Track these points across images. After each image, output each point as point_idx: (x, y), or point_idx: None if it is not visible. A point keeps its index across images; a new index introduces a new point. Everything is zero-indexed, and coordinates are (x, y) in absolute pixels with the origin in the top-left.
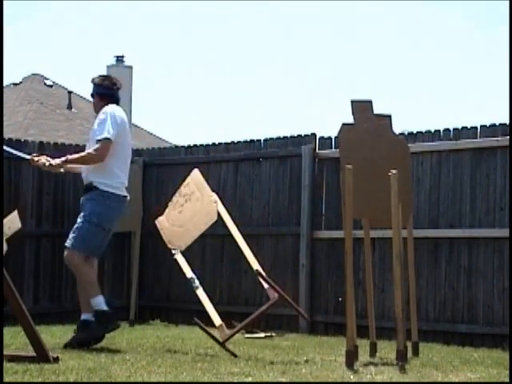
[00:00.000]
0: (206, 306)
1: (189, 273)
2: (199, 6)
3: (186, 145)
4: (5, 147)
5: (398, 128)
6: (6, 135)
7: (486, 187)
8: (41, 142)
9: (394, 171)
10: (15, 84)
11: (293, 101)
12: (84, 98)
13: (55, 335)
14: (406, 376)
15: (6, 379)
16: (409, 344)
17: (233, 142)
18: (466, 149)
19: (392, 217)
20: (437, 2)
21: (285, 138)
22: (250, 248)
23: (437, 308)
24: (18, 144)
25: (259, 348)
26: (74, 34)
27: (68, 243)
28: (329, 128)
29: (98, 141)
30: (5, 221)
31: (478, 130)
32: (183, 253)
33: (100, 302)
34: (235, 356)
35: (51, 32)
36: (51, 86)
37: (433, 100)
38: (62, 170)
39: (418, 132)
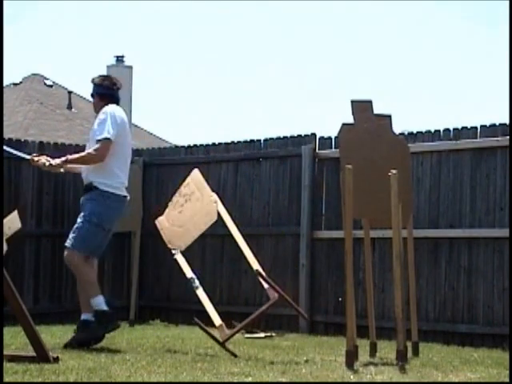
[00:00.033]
0: (206, 306)
1: (189, 273)
2: (199, 6)
3: (185, 145)
4: (5, 147)
5: (398, 128)
6: (6, 135)
7: (486, 187)
8: (41, 142)
9: (393, 171)
10: (15, 84)
11: (293, 101)
12: (84, 98)
13: (55, 335)
14: (406, 376)
15: (5, 379)
16: (409, 344)
17: (233, 142)
18: (466, 149)
19: (392, 217)
20: (437, 1)
21: (285, 137)
22: (250, 248)
23: (437, 308)
24: (18, 144)
25: (259, 348)
26: (74, 34)
27: (68, 243)
28: (329, 128)
29: (98, 141)
30: (5, 221)
31: (478, 130)
32: (183, 253)
33: (100, 302)
34: (235, 356)
35: (51, 32)
36: (51, 86)
37: (433, 100)
38: (62, 170)
39: (418, 132)
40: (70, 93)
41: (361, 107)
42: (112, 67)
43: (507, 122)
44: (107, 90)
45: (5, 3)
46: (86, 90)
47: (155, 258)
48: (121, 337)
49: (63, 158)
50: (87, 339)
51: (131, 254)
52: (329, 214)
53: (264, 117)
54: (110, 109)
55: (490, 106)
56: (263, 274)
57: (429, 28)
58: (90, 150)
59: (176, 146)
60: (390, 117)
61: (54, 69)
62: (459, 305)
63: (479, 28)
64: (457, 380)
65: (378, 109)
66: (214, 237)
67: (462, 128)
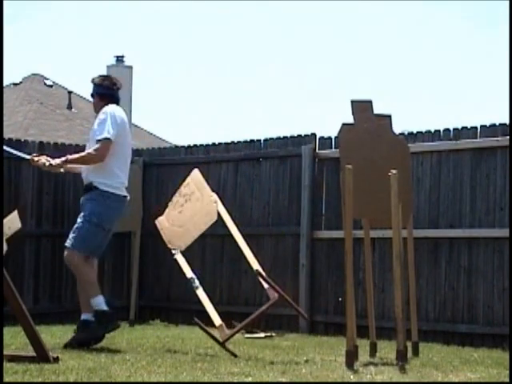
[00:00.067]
0: (206, 306)
1: (189, 273)
2: (199, 6)
3: (186, 145)
4: (5, 147)
5: (398, 128)
6: (6, 135)
7: (486, 187)
8: (41, 142)
9: (393, 171)
10: (15, 84)
11: (293, 101)
12: (84, 98)
13: (55, 335)
14: (406, 376)
15: (5, 379)
16: (409, 344)
17: (233, 142)
18: (466, 149)
19: (392, 217)
20: (437, 2)
21: (285, 137)
22: (250, 248)
23: (437, 308)
24: (18, 144)
25: (259, 348)
26: (74, 34)
27: (68, 243)
28: (329, 128)
29: (98, 141)
30: (5, 221)
31: (478, 130)
32: (183, 253)
33: (100, 302)
34: (235, 356)
35: (51, 32)
36: (51, 86)
37: (433, 100)
38: (62, 170)
39: (418, 132)
40: (70, 93)
41: (361, 107)
42: (112, 67)
43: (507, 121)
44: (107, 90)
45: (5, 3)
46: (85, 90)
47: (155, 258)
48: (121, 337)
49: (63, 158)
50: (87, 339)
51: (131, 254)
52: (329, 214)
53: (264, 117)
54: (110, 109)
55: (490, 106)
56: (263, 273)
57: (429, 28)
58: (90, 150)
59: (176, 146)
60: (389, 117)
61: (54, 69)
62: (459, 305)
63: (479, 28)
64: (457, 380)
65: (377, 109)
66: (214, 237)
67: (462, 128)
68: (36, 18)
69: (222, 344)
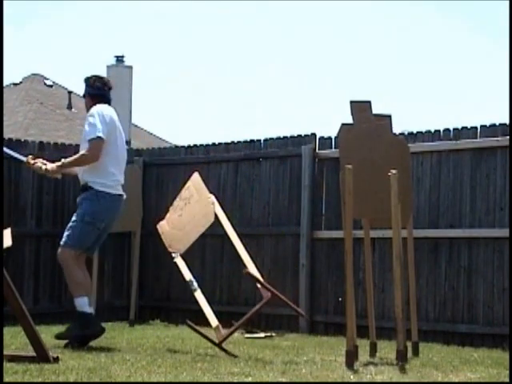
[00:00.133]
0: (204, 307)
1: (187, 275)
2: (199, 6)
3: (186, 145)
4: (4, 149)
5: (397, 128)
6: (6, 135)
7: (486, 187)
8: (41, 142)
9: (393, 171)
10: (15, 84)
11: (293, 101)
12: (84, 98)
13: None
14: (405, 376)
15: (5, 379)
16: (409, 344)
17: (233, 142)
18: (466, 149)
19: (392, 217)
20: (437, 2)
21: (285, 137)
22: (249, 248)
23: (437, 308)
24: (18, 144)
25: (259, 348)
26: (74, 34)
27: (62, 241)
28: (329, 128)
29: (90, 141)
30: None
31: (478, 130)
32: (183, 252)
33: (83, 304)
34: (234, 356)
35: (51, 32)
36: (51, 86)
37: (433, 100)
38: (59, 176)
39: (418, 132)
40: (69, 93)
41: (360, 107)
42: (112, 67)
43: (507, 121)
44: (98, 91)
45: (5, 3)
46: None
47: (155, 258)
48: (121, 337)
49: (59, 163)
50: (66, 338)
51: (131, 254)
52: (329, 214)
53: (264, 117)
54: (98, 108)
55: (490, 106)
56: (253, 274)
57: (429, 28)
58: (82, 151)
59: (176, 146)
60: (389, 117)
61: (54, 69)
62: (459, 305)
63: (479, 28)
64: (457, 380)
65: (377, 109)
66: (214, 237)
67: (462, 128)
68: (36, 17)
69: (219, 345)
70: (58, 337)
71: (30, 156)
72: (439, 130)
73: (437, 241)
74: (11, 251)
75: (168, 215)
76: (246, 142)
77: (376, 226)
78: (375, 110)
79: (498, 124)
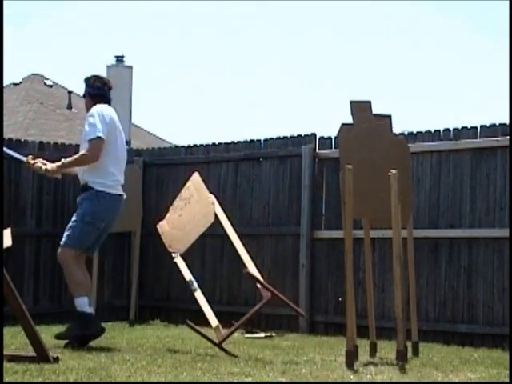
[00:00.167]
0: (204, 307)
1: (187, 275)
2: (199, 6)
3: (186, 145)
4: (4, 149)
5: (397, 128)
6: (6, 135)
7: (486, 187)
8: (41, 142)
9: (393, 171)
10: (15, 84)
11: (293, 101)
12: (84, 98)
13: None
14: (405, 376)
15: (5, 379)
16: (409, 344)
17: (233, 142)
18: (466, 149)
19: (392, 217)
20: (437, 2)
21: (285, 137)
22: (249, 248)
23: (437, 308)
24: (18, 144)
25: (259, 348)
26: (74, 34)
27: (62, 241)
28: (329, 128)
29: (90, 141)
30: None
31: (478, 130)
32: (183, 252)
33: (83, 304)
34: (234, 356)
35: (51, 32)
36: (51, 86)
37: (433, 100)
38: (59, 176)
39: (418, 132)
40: (70, 93)
41: (360, 108)
42: (112, 67)
43: (507, 121)
44: (98, 91)
45: (5, 3)
46: None
47: (155, 258)
48: (121, 337)
49: (59, 163)
50: (66, 337)
51: (131, 254)
52: (329, 214)
53: (264, 117)
54: (98, 108)
55: (490, 106)
56: (253, 274)
57: (429, 28)
58: (83, 151)
59: (176, 146)
60: (389, 117)
61: (54, 69)
62: (459, 305)
63: (479, 28)
64: (457, 380)
65: (377, 109)
66: (214, 237)
67: (462, 128)
68: (36, 17)
69: (219, 345)
70: (58, 337)
71: (30, 156)
72: (439, 130)
73: (437, 241)
74: (11, 251)
75: (168, 215)
76: (246, 141)
77: (376, 225)
78: (375, 110)
79: (498, 124)
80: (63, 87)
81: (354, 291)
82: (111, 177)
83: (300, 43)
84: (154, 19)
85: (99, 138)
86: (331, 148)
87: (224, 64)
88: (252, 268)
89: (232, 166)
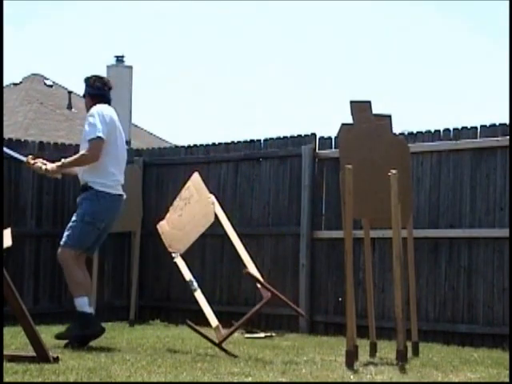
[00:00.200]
0: (204, 307)
1: (187, 275)
2: (199, 6)
3: (186, 145)
4: (4, 149)
5: (397, 128)
6: (6, 135)
7: (486, 187)
8: (41, 142)
9: (393, 171)
10: (15, 84)
11: (293, 101)
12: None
13: None
14: (405, 376)
15: (5, 379)
16: (409, 344)
17: (233, 142)
18: (466, 149)
19: (392, 217)
20: (437, 2)
21: (285, 137)
22: (249, 248)
23: (437, 308)
24: (18, 144)
25: (259, 348)
26: (74, 34)
27: (62, 241)
28: (329, 128)
29: (90, 141)
30: None
31: (478, 130)
32: (183, 252)
33: (83, 304)
34: (234, 356)
35: (51, 32)
36: (51, 86)
37: (433, 100)
38: (59, 176)
39: (418, 132)
40: (70, 93)
41: (360, 108)
42: (112, 67)
43: (507, 121)
44: (98, 91)
45: (5, 3)
46: None
47: (155, 258)
48: (121, 337)
49: (59, 163)
50: (66, 337)
51: (131, 254)
52: (329, 214)
53: (264, 117)
54: (98, 108)
55: (490, 106)
56: (253, 274)
57: (429, 28)
58: (83, 151)
59: (176, 146)
60: (389, 117)
61: (54, 69)
62: (459, 305)
63: (479, 28)
64: (457, 380)
65: (377, 109)
66: (214, 237)
67: (462, 128)
68: (36, 17)
69: (219, 345)
70: (58, 337)
71: (30, 156)
72: (439, 130)
73: (437, 241)
74: (11, 251)
75: (168, 215)
76: (246, 141)
77: (376, 225)
78: (375, 110)
79: (498, 124)
80: (63, 87)
81: (354, 291)
82: (111, 177)
83: (300, 43)
84: (154, 19)
85: (99, 137)
86: (331, 148)
87: (224, 64)
88: (252, 268)
89: (232, 166)
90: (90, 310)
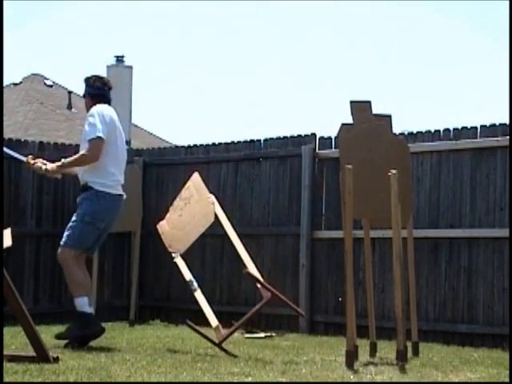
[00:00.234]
0: (204, 307)
1: (187, 275)
2: (199, 6)
3: (186, 145)
4: (4, 149)
5: (397, 128)
6: (6, 135)
7: (486, 187)
8: (41, 142)
9: (393, 171)
10: (15, 84)
11: (293, 101)
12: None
13: None
14: (405, 376)
15: (5, 379)
16: (409, 344)
17: (233, 142)
18: (466, 149)
19: (392, 217)
20: (437, 2)
21: (285, 137)
22: (249, 248)
23: (437, 308)
24: (18, 144)
25: (259, 348)
26: (74, 34)
27: (62, 241)
28: (329, 128)
29: (90, 141)
30: None
31: (478, 130)
32: (183, 252)
33: (83, 304)
34: (234, 356)
35: (51, 32)
36: (51, 86)
37: (433, 100)
38: (59, 176)
39: (418, 132)
40: (69, 93)
41: (360, 108)
42: (112, 67)
43: (507, 121)
44: (98, 91)
45: (5, 3)
46: None
47: (155, 258)
48: (121, 337)
49: (59, 163)
50: (66, 337)
51: (131, 254)
52: (329, 214)
53: (264, 117)
54: (98, 108)
55: (490, 106)
56: (253, 274)
57: (429, 28)
58: (83, 151)
59: (176, 146)
60: (389, 117)
61: (54, 69)
62: (459, 305)
63: (479, 28)
64: (457, 380)
65: (377, 109)
66: (214, 237)
67: (462, 128)
68: (36, 17)
69: (219, 345)
70: (58, 337)
71: (30, 156)
72: (439, 130)
73: (437, 241)
74: (11, 251)
75: (168, 215)
76: (246, 142)
77: (376, 225)
78: (375, 110)
79: (498, 124)
80: (63, 87)
81: (354, 291)
82: (111, 177)
83: (300, 43)
84: (154, 19)
85: (99, 137)
86: (331, 148)
87: (224, 64)
88: (252, 268)
89: (232, 166)
90: (90, 310)
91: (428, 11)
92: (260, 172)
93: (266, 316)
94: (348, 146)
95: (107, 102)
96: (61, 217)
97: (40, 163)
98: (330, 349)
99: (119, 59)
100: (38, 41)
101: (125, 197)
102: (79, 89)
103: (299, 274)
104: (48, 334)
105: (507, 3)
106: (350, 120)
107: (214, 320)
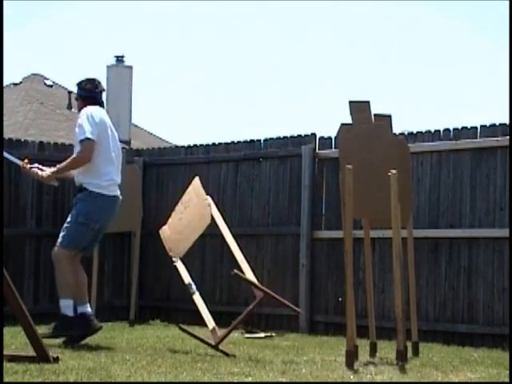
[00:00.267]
0: (201, 310)
1: (187, 279)
2: (199, 6)
3: (186, 145)
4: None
5: (397, 128)
6: (6, 135)
7: (486, 187)
8: (41, 142)
9: (393, 171)
10: (15, 84)
11: (293, 101)
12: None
13: None
14: (405, 376)
15: (5, 379)
16: (409, 344)
17: (233, 142)
18: (466, 149)
19: (392, 217)
20: (437, 2)
21: (285, 137)
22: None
23: (437, 308)
24: (18, 144)
25: (259, 348)
26: (74, 34)
27: (58, 242)
28: (329, 128)
29: (80, 143)
30: None
31: (478, 130)
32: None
33: (67, 306)
34: (232, 356)
35: (51, 32)
36: (51, 86)
37: (433, 100)
38: (56, 184)
39: (418, 132)
40: (70, 93)
41: (359, 108)
42: (112, 67)
43: (507, 121)
44: (89, 93)
45: (5, 3)
46: None
47: (155, 258)
48: (121, 337)
49: (53, 169)
50: (52, 337)
51: (131, 254)
52: (329, 214)
53: (264, 117)
54: (87, 110)
55: (490, 106)
56: (240, 274)
57: (429, 28)
58: (74, 154)
59: (176, 146)
60: (389, 117)
61: (54, 69)
62: (459, 305)
63: (479, 28)
64: (457, 380)
65: (377, 109)
66: (214, 237)
67: (462, 128)
68: (36, 17)
69: (215, 347)
70: (43, 337)
71: (26, 160)
72: (439, 130)
73: (437, 241)
74: (11, 251)
75: (170, 220)
76: (246, 142)
77: (376, 226)
78: (375, 110)
79: (498, 124)
80: (63, 87)
81: (354, 291)
82: (105, 177)
83: (300, 43)
84: (154, 19)
85: (88, 138)
86: (331, 148)
87: (224, 64)
88: (246, 268)
89: (232, 166)
90: (72, 313)
91: (428, 11)
92: (260, 172)
93: (266, 316)
94: (348, 146)
95: (98, 103)
96: (61, 217)
97: (36, 169)
98: (330, 349)
99: (119, 59)
100: (38, 41)
101: (121, 198)
102: None
103: (299, 274)
104: None
105: (507, 3)
106: (349, 120)
107: (210, 322)
